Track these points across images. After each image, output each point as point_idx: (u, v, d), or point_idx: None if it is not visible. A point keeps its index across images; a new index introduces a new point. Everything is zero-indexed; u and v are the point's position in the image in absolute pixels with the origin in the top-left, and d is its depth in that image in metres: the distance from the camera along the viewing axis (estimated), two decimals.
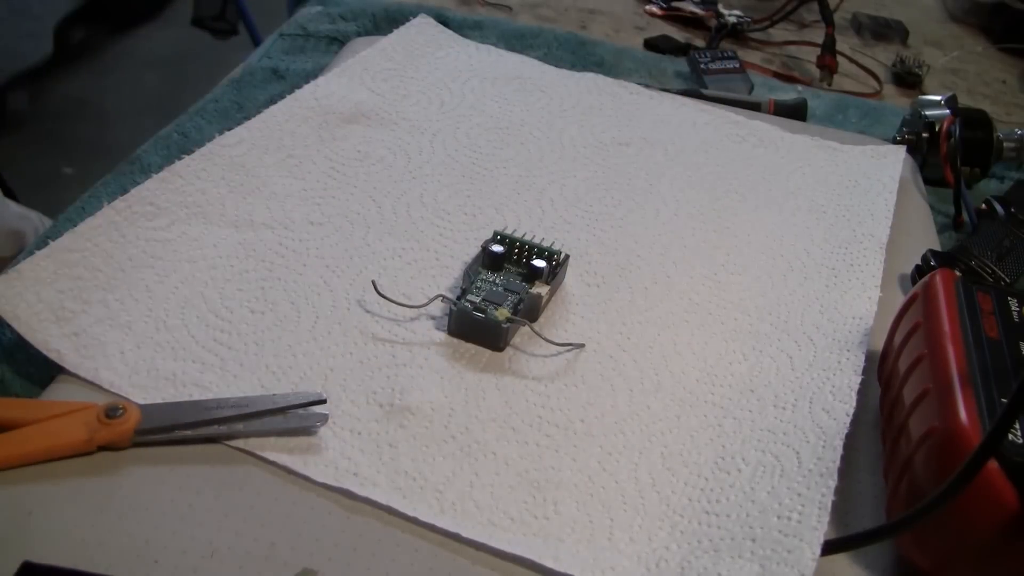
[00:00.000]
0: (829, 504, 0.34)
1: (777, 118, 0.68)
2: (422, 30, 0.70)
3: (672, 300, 0.47)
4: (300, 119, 0.56)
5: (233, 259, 0.45)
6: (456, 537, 0.34)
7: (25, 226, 0.99)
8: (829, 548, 0.33)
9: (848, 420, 0.39)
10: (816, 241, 0.54)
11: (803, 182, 0.59)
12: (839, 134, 0.67)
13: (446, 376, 0.40)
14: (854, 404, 0.40)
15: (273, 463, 0.35)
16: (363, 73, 0.63)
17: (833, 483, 0.35)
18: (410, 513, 0.34)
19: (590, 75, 0.68)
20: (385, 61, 0.65)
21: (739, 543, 0.34)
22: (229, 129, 0.53)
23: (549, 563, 0.33)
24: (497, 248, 0.45)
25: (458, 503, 0.35)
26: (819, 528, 0.33)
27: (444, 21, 0.75)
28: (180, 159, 0.50)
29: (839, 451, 0.37)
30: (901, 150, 0.63)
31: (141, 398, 0.37)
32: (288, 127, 0.55)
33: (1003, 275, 0.51)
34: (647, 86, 0.68)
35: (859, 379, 0.41)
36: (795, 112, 0.70)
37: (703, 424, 0.40)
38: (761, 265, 0.51)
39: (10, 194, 1.08)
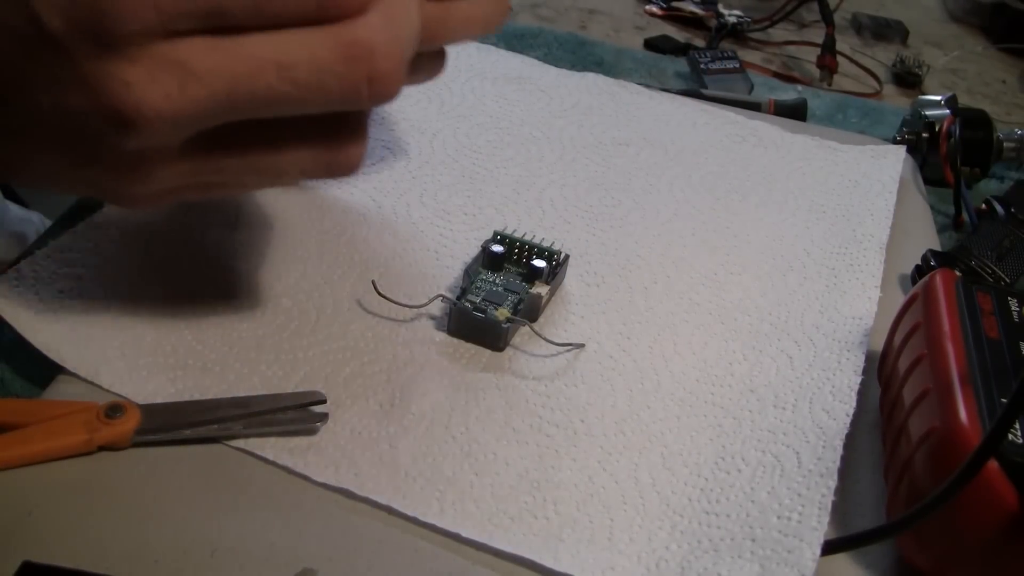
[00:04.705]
0: (829, 504, 0.34)
1: (777, 118, 0.68)
2: None
3: (672, 300, 0.47)
4: None
5: (233, 258, 0.45)
6: (456, 537, 0.34)
7: (27, 228, 0.98)
8: (829, 548, 0.33)
9: (848, 420, 0.39)
10: (816, 241, 0.54)
11: (803, 182, 0.59)
12: (839, 134, 0.67)
13: (446, 376, 0.40)
14: (854, 404, 0.40)
15: (273, 463, 0.35)
16: None
17: (833, 483, 0.35)
18: (410, 513, 0.34)
19: (590, 75, 0.68)
20: None
21: (739, 543, 0.34)
22: None
23: (549, 563, 0.33)
24: (497, 248, 0.45)
25: (458, 503, 0.35)
26: (819, 528, 0.33)
27: None
28: None
29: (839, 451, 0.37)
30: (901, 150, 0.63)
31: (141, 398, 0.37)
32: None
33: (1003, 275, 0.51)
34: (647, 86, 0.68)
35: (859, 379, 0.41)
36: (795, 112, 0.70)
37: (703, 424, 0.40)
38: (761, 265, 0.51)
39: (11, 196, 1.08)
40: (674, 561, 0.33)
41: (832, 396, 0.40)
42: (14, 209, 1.01)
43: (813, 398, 0.41)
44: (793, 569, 0.32)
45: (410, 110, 0.60)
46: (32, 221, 1.00)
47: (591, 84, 0.67)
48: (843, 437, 0.38)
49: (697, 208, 0.55)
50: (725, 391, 0.42)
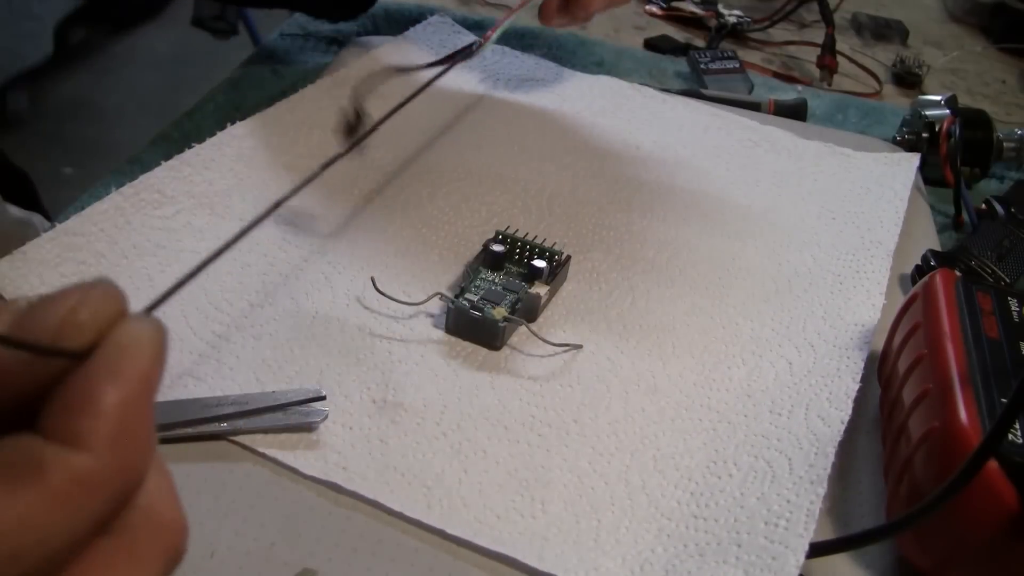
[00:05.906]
0: (817, 512, 0.34)
1: (786, 120, 0.67)
2: (438, 29, 0.70)
3: (674, 303, 0.47)
4: (309, 114, 0.56)
5: (235, 252, 0.45)
6: (441, 534, 0.33)
7: (26, 231, 0.98)
8: (829, 548, 0.33)
9: (843, 427, 0.38)
10: (823, 247, 0.53)
11: (814, 187, 0.59)
12: (840, 134, 0.67)
13: (441, 373, 0.40)
14: (850, 411, 0.39)
15: (263, 455, 0.35)
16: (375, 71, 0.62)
17: (822, 491, 0.35)
18: (396, 508, 0.34)
19: (604, 77, 0.68)
20: (400, 59, 0.64)
21: (725, 548, 0.33)
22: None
23: (533, 562, 0.33)
24: (498, 247, 0.45)
25: (445, 500, 0.35)
26: (805, 536, 0.33)
27: None
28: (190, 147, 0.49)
29: (831, 458, 0.36)
30: (915, 158, 0.63)
31: None
32: (294, 122, 0.55)
33: (1003, 275, 0.51)
34: (647, 86, 0.68)
35: (857, 386, 0.41)
36: (795, 112, 0.70)
37: (697, 428, 0.40)
38: (766, 269, 0.51)
39: (10, 197, 1.08)
40: (659, 564, 0.33)
41: (829, 403, 0.40)
42: (13, 211, 1.01)
43: (810, 404, 0.40)
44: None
45: (415, 107, 0.60)
46: (32, 223, 1.00)
47: (604, 86, 0.67)
48: (836, 444, 0.37)
49: (705, 212, 0.55)
50: (722, 395, 0.42)
